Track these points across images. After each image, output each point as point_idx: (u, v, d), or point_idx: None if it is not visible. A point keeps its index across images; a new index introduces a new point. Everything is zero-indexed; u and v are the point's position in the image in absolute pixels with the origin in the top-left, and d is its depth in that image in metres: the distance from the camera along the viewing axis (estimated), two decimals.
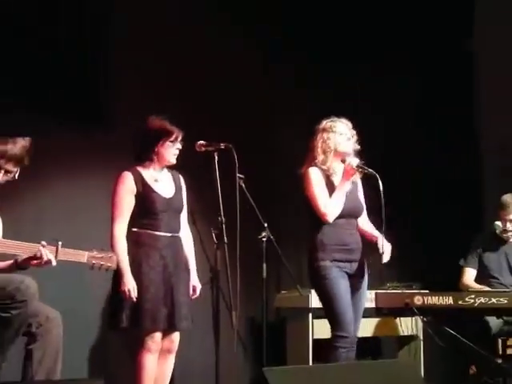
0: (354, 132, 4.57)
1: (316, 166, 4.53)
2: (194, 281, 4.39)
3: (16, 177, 3.81)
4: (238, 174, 4.26)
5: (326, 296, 4.46)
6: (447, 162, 6.85)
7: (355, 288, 4.52)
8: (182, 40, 5.66)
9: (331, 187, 4.51)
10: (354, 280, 4.52)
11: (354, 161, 4.44)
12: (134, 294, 4.07)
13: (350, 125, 4.57)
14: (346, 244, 4.50)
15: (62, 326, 3.79)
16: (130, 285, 4.08)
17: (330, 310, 4.46)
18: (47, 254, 3.74)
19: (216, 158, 4.24)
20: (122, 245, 4.15)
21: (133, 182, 4.21)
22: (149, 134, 4.26)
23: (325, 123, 4.56)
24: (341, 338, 4.39)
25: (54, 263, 3.77)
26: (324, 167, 4.52)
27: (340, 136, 4.52)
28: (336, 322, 4.42)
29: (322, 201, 4.45)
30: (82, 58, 5.15)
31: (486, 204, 6.29)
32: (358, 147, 4.54)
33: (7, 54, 4.77)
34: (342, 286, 4.42)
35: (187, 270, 4.37)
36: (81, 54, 5.14)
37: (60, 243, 3.77)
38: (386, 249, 4.45)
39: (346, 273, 4.49)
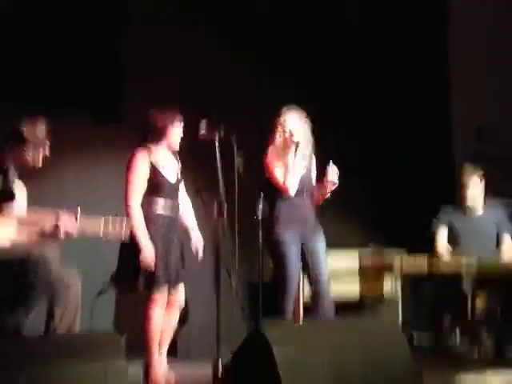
0: (305, 120, 4.75)
1: (274, 152, 4.74)
2: (198, 238, 4.49)
3: (47, 152, 3.84)
4: (236, 157, 4.28)
5: (276, 258, 4.67)
6: (423, 145, 6.84)
7: (310, 252, 4.68)
8: (187, 41, 5.67)
9: (287, 168, 4.71)
10: (308, 246, 4.69)
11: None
12: (153, 260, 4.15)
13: (300, 114, 4.75)
14: (298, 216, 4.69)
15: (80, 286, 3.80)
16: (150, 254, 4.15)
17: (278, 271, 4.66)
18: (67, 219, 3.76)
19: (217, 144, 4.26)
20: (139, 216, 4.21)
21: (146, 166, 4.28)
22: (159, 122, 4.31)
23: (278, 118, 4.75)
24: (285, 296, 4.59)
25: (74, 229, 3.79)
26: (280, 153, 4.73)
27: (290, 129, 4.70)
28: (282, 285, 4.61)
29: (282, 179, 4.67)
30: (96, 53, 5.11)
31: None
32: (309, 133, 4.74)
33: (23, 47, 4.73)
34: (291, 252, 4.61)
35: (187, 237, 4.45)
36: (95, 49, 5.10)
37: (79, 208, 3.79)
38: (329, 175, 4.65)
39: (299, 241, 4.66)
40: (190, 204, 4.54)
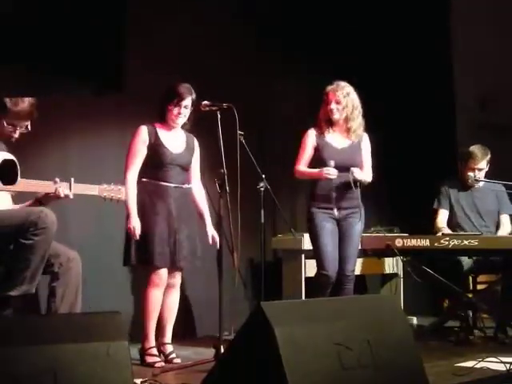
0: (351, 96, 4.64)
1: (314, 127, 4.71)
2: (211, 230, 4.47)
3: (29, 128, 3.79)
4: (238, 131, 4.23)
5: (312, 238, 4.67)
6: (425, 117, 6.75)
7: (345, 231, 4.64)
8: (191, 11, 5.58)
9: (325, 146, 4.65)
10: (344, 225, 4.64)
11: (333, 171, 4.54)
12: (138, 232, 4.17)
13: (338, 91, 4.62)
14: (334, 193, 4.60)
15: (81, 265, 3.79)
16: (134, 223, 4.17)
17: (314, 250, 4.66)
18: (63, 189, 3.73)
19: (219, 116, 4.18)
20: (132, 188, 4.23)
21: (146, 134, 4.30)
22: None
23: (323, 94, 4.67)
24: (321, 276, 4.56)
25: (70, 196, 3.77)
26: (320, 130, 4.70)
27: (328, 106, 4.63)
28: (317, 261, 4.60)
29: (299, 161, 4.69)
30: (95, 20, 4.99)
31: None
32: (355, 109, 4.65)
33: (22, 16, 4.63)
34: (324, 229, 4.57)
35: (193, 218, 4.43)
36: (94, 16, 4.98)
37: (72, 179, 3.77)
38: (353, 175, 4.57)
39: (334, 218, 4.60)
40: (202, 190, 4.51)
